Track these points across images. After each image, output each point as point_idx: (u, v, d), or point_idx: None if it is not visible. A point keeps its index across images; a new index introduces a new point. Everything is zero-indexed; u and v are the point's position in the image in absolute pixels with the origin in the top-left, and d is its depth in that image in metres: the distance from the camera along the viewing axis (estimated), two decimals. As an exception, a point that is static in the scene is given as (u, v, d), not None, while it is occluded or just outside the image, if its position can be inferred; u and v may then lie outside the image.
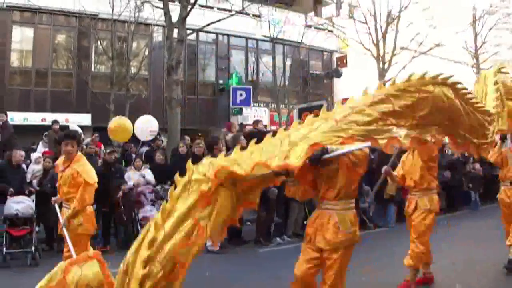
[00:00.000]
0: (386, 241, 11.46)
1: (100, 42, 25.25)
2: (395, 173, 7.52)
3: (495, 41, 40.79)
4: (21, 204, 10.03)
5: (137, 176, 12.14)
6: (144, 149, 15.16)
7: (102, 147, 14.69)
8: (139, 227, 11.26)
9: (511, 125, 6.90)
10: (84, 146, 14.14)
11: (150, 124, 14.94)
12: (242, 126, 18.14)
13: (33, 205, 10.27)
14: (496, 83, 6.49)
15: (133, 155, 14.45)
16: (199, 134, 22.86)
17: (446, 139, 8.74)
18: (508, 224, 8.33)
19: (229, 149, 12.25)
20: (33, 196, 10.74)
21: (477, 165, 16.47)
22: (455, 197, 16.54)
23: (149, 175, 12.32)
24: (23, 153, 11.20)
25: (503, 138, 8.38)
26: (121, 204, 11.25)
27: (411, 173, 7.24)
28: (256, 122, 14.78)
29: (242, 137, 12.13)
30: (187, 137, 15.61)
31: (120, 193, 11.24)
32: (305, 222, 12.59)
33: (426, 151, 6.96)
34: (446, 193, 16.31)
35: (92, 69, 26.45)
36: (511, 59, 45.66)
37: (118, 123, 13.60)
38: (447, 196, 16.44)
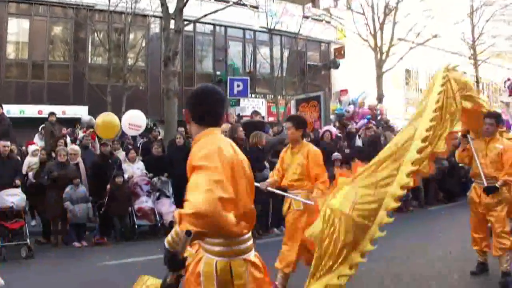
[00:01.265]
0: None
1: (97, 33, 25.20)
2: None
3: (492, 32, 40.85)
4: (15, 197, 9.97)
5: (131, 168, 12.14)
6: (142, 141, 15.12)
7: (97, 139, 14.58)
8: (135, 219, 11.25)
9: (469, 123, 6.93)
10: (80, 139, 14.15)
11: (133, 118, 14.80)
12: (239, 117, 18.07)
13: (25, 197, 10.21)
14: (444, 80, 5.96)
15: (130, 147, 14.40)
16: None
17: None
18: (478, 228, 7.43)
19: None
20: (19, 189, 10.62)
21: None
22: (453, 188, 16.52)
23: (143, 169, 12.35)
24: (6, 143, 11.03)
25: (465, 135, 7.64)
26: (107, 197, 11.16)
27: (289, 172, 6.76)
28: (255, 113, 14.73)
29: (241, 128, 12.14)
30: (181, 129, 15.50)
31: (108, 187, 11.20)
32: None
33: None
34: (444, 184, 16.36)
35: (89, 61, 26.33)
36: (508, 50, 45.85)
37: (104, 120, 13.35)
38: (445, 187, 16.47)
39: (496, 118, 7.28)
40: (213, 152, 2.87)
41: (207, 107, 3.22)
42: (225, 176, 2.74)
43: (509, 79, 15.97)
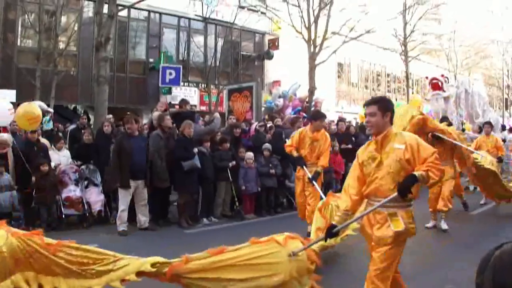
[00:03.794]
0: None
1: (28, 15, 24.44)
2: None
3: (423, 30, 42.11)
4: None
5: (58, 156, 11.96)
6: (70, 127, 14.87)
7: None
8: (62, 208, 11.06)
9: None
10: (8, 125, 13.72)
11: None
12: (171, 105, 17.99)
13: None
14: None
15: (60, 134, 14.12)
16: (128, 112, 22.62)
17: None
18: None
19: (154, 128, 12.22)
20: None
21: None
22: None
23: (69, 157, 12.22)
24: None
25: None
26: (36, 187, 10.89)
27: None
28: (184, 102, 14.68)
29: (168, 117, 12.13)
30: (108, 116, 15.24)
31: (33, 179, 10.91)
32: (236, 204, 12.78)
33: None
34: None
35: (18, 43, 25.55)
36: (438, 48, 47.27)
37: (26, 111, 12.72)
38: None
39: (379, 103, 5.06)
40: None
41: None
42: None
43: (426, 77, 16.59)
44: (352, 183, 5.14)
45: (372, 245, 5.00)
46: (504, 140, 17.17)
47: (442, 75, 17.34)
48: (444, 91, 15.90)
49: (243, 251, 4.84)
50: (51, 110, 17.10)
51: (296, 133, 10.29)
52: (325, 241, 5.19)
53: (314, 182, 9.38)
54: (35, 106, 12.57)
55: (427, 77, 16.72)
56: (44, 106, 16.16)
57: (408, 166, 4.77)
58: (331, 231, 4.95)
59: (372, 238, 4.95)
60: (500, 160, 13.63)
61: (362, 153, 5.14)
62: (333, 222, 5.05)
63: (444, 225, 10.65)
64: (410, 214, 4.87)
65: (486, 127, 14.49)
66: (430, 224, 11.12)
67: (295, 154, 9.87)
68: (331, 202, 7.61)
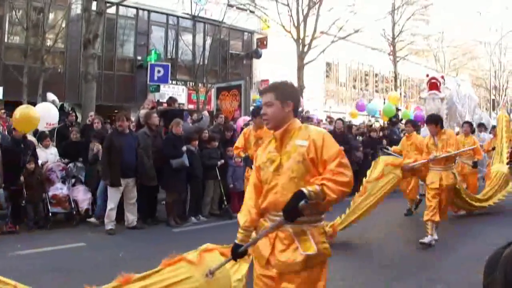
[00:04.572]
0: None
1: (15, 11, 24.23)
2: None
3: (412, 30, 42.41)
4: None
5: (45, 153, 11.87)
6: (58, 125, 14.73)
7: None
8: (49, 206, 10.97)
9: None
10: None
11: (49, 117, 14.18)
12: (159, 103, 17.89)
13: None
14: None
15: (46, 132, 13.99)
16: (116, 110, 22.50)
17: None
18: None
19: (141, 126, 12.15)
20: None
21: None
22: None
23: (56, 154, 12.14)
24: None
25: None
26: (24, 185, 10.78)
27: None
28: (172, 100, 14.62)
29: (155, 114, 12.06)
30: (92, 113, 15.01)
31: (22, 178, 10.79)
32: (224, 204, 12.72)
33: None
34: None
35: (6, 39, 25.32)
36: (426, 48, 47.61)
37: (22, 113, 12.51)
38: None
39: (277, 90, 3.86)
40: None
41: None
42: None
43: (427, 75, 16.51)
44: (249, 193, 3.99)
45: (270, 274, 3.73)
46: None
47: (442, 76, 17.36)
48: (440, 92, 15.90)
49: (153, 279, 4.19)
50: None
51: (241, 134, 10.10)
52: (235, 261, 4.22)
53: None
54: (33, 109, 12.45)
55: (427, 75, 16.71)
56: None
57: (313, 169, 3.63)
58: (237, 251, 3.86)
59: (273, 264, 3.68)
60: (475, 165, 13.45)
61: (261, 153, 3.95)
62: (237, 241, 3.88)
63: (427, 239, 9.21)
64: (321, 231, 3.70)
65: (465, 127, 13.97)
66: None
67: (242, 155, 9.80)
68: None
